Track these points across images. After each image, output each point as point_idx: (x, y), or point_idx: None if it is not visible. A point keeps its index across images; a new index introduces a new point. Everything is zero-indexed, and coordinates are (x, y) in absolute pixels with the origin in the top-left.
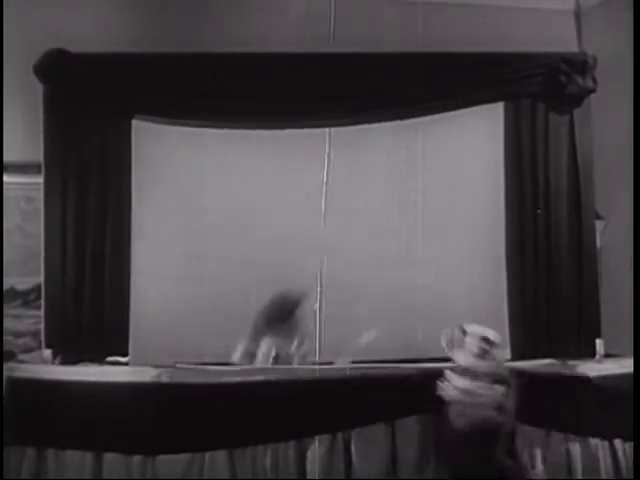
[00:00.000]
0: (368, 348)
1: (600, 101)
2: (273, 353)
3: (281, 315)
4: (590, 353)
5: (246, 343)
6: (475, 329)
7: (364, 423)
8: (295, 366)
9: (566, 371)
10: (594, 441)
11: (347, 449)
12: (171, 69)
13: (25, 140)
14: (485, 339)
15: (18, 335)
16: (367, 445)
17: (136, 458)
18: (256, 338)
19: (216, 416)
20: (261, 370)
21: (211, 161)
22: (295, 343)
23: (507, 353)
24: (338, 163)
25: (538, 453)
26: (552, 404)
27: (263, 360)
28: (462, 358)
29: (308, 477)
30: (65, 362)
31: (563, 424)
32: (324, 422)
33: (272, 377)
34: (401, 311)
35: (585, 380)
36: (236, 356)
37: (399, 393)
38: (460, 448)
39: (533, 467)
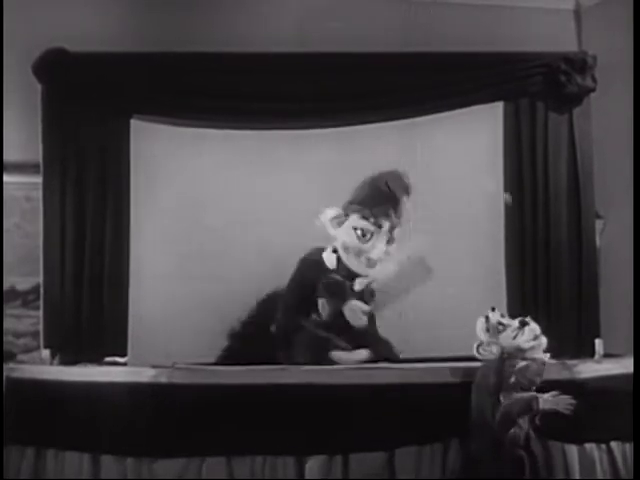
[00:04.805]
0: None
1: (600, 100)
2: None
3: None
4: (589, 353)
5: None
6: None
7: None
8: (305, 368)
9: (564, 374)
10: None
11: None
12: (171, 69)
13: (23, 139)
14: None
15: (18, 335)
16: None
17: (134, 459)
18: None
19: (215, 418)
20: (263, 372)
21: (210, 161)
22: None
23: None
24: (336, 164)
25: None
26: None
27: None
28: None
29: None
30: (64, 362)
31: (560, 433)
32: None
33: (276, 379)
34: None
35: (581, 384)
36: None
37: None
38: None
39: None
